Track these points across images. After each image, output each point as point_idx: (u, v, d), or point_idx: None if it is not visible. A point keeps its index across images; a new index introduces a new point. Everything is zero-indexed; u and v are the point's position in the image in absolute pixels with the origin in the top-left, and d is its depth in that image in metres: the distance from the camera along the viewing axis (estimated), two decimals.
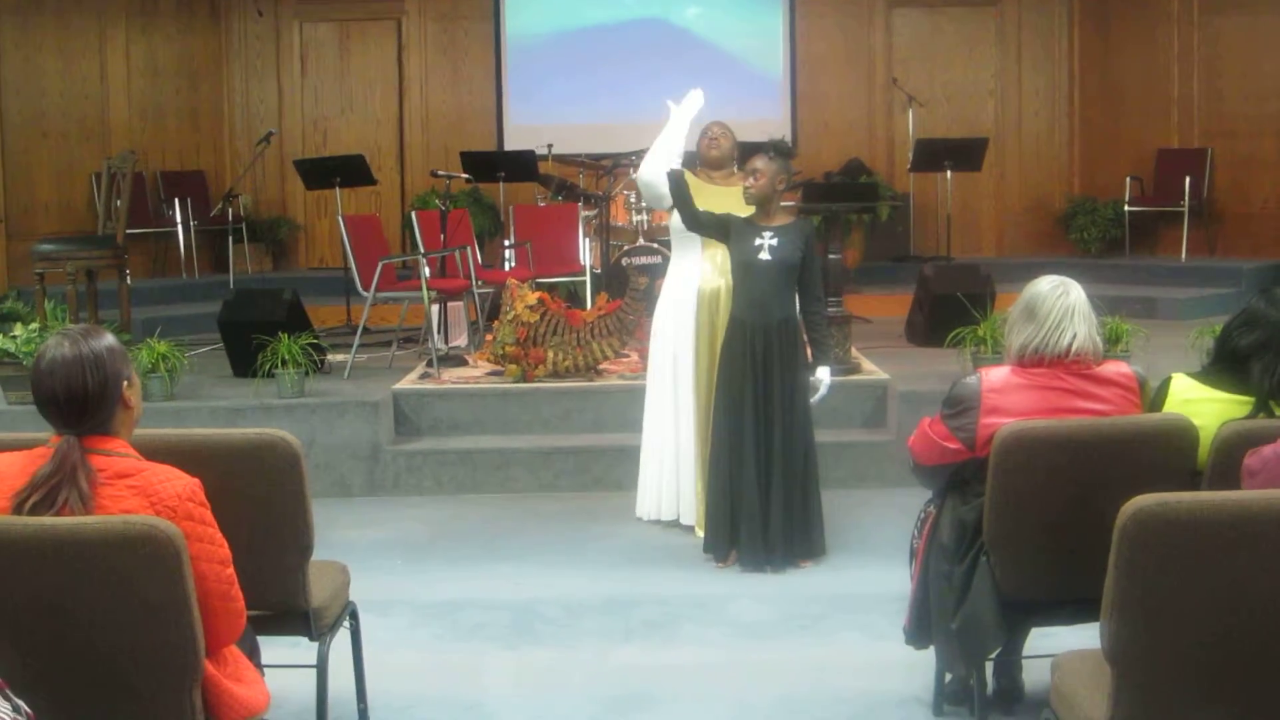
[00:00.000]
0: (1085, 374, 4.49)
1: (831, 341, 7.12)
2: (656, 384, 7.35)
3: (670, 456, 7.29)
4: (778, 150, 6.66)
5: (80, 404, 3.48)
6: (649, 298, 7.64)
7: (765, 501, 6.62)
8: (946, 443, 4.56)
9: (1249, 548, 3.24)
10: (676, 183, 6.69)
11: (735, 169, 7.25)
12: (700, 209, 6.70)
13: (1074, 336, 4.46)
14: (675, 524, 7.30)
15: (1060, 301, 4.48)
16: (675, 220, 7.12)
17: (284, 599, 4.47)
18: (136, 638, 3.37)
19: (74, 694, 3.44)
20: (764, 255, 6.58)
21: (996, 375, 4.53)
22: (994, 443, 4.33)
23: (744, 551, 6.65)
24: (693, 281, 7.14)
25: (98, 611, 3.35)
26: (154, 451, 3.77)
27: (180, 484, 3.49)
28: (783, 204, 6.83)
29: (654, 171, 7.11)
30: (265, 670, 4.16)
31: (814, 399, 6.77)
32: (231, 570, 3.59)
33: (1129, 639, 3.32)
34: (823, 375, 6.79)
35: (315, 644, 4.57)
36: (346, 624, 4.87)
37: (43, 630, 3.38)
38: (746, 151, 6.98)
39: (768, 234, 6.60)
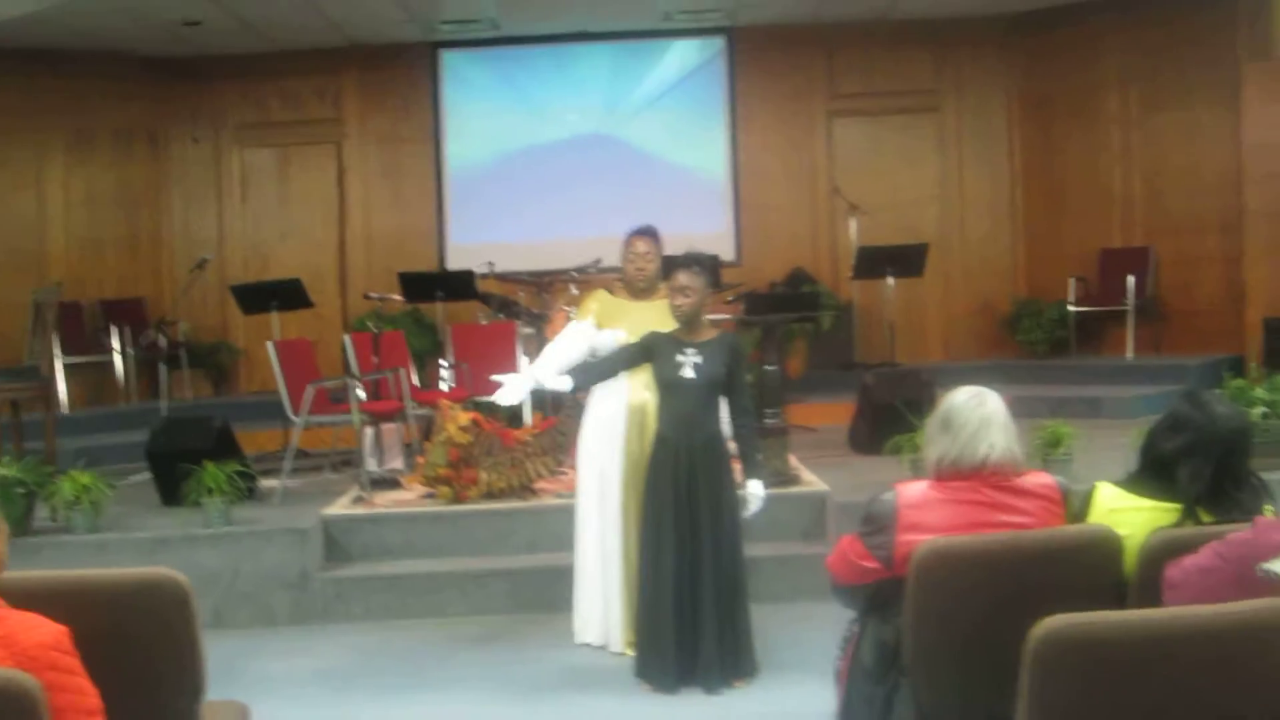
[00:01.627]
0: (1005, 486, 4.34)
1: (760, 455, 6.96)
2: (584, 504, 7.18)
3: (598, 579, 7.10)
4: (700, 264, 6.53)
5: None
6: (579, 414, 7.50)
7: (695, 622, 6.45)
8: (864, 562, 4.40)
9: (1166, 669, 3.10)
10: (585, 380, 6.81)
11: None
12: (620, 353, 6.71)
13: (991, 448, 4.31)
14: (606, 649, 7.11)
15: (977, 412, 4.35)
16: (600, 339, 7.03)
17: None
18: None
19: None
20: (687, 373, 6.45)
21: (913, 491, 4.37)
22: (911, 561, 4.16)
23: (674, 674, 6.45)
24: (620, 396, 7.00)
25: None
26: (33, 595, 3.61)
27: (44, 632, 3.30)
28: (709, 317, 6.72)
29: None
30: None
31: (747, 514, 6.61)
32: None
33: None
34: (754, 489, 6.63)
35: None
36: None
37: None
38: (665, 266, 6.89)
39: (690, 351, 6.48)
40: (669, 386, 6.51)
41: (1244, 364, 11.21)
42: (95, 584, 4.15)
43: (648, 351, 6.57)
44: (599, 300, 7.22)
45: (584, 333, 7.15)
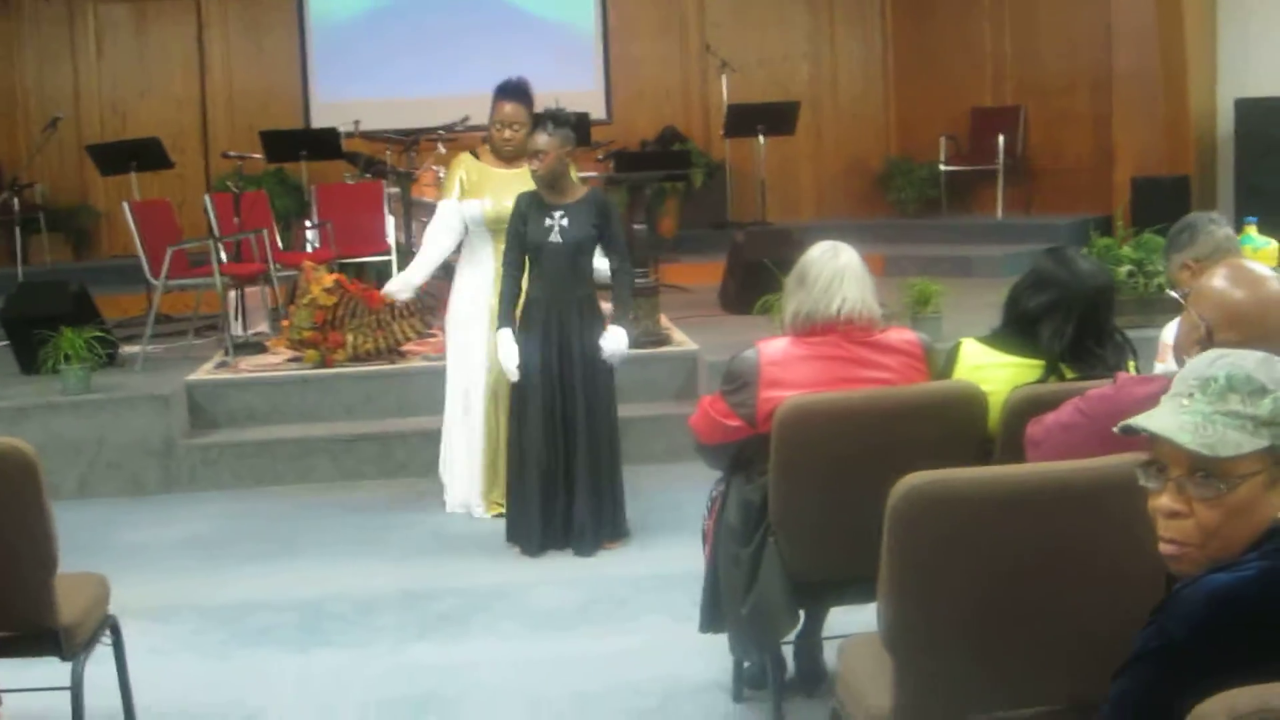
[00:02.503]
0: (867, 342, 4.32)
1: (630, 303, 6.83)
2: (451, 374, 7.11)
3: (462, 446, 7.05)
4: (557, 122, 6.34)
5: None
6: (450, 274, 7.37)
7: (568, 485, 6.41)
8: (727, 420, 4.36)
9: (1025, 524, 3.09)
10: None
11: None
12: (511, 234, 6.42)
13: (844, 300, 4.27)
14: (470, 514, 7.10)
15: (830, 265, 4.32)
16: (470, 210, 6.86)
17: (29, 619, 4.14)
18: None
19: None
20: (554, 237, 6.32)
21: (774, 347, 4.33)
22: (774, 418, 4.13)
23: (546, 538, 6.44)
24: (485, 265, 6.89)
25: None
26: None
27: None
28: (581, 175, 6.58)
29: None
30: (18, 695, 3.89)
31: (604, 355, 6.43)
32: None
33: (905, 624, 3.15)
34: (613, 333, 6.43)
35: (69, 664, 4.25)
36: (107, 639, 4.55)
37: None
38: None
39: (558, 213, 6.33)
40: (537, 250, 6.37)
41: (1112, 223, 11.29)
42: None
43: (523, 219, 6.38)
44: (464, 166, 6.97)
45: (452, 213, 6.95)
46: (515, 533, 6.52)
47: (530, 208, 6.39)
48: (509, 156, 6.88)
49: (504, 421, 6.73)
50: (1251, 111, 11.78)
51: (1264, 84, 11.80)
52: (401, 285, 7.31)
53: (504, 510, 6.68)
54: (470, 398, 6.97)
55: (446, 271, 8.39)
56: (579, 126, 6.51)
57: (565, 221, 6.33)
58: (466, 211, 6.89)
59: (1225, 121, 12.19)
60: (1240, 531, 2.24)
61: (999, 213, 13.40)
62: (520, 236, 6.37)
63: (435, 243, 7.07)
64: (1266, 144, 11.51)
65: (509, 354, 6.38)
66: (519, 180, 6.64)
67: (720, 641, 4.76)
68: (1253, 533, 2.23)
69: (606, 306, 6.55)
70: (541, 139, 6.29)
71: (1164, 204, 10.87)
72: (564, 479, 6.42)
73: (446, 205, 6.99)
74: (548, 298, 6.39)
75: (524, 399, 6.43)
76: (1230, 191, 11.85)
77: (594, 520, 6.44)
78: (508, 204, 6.58)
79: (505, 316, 6.45)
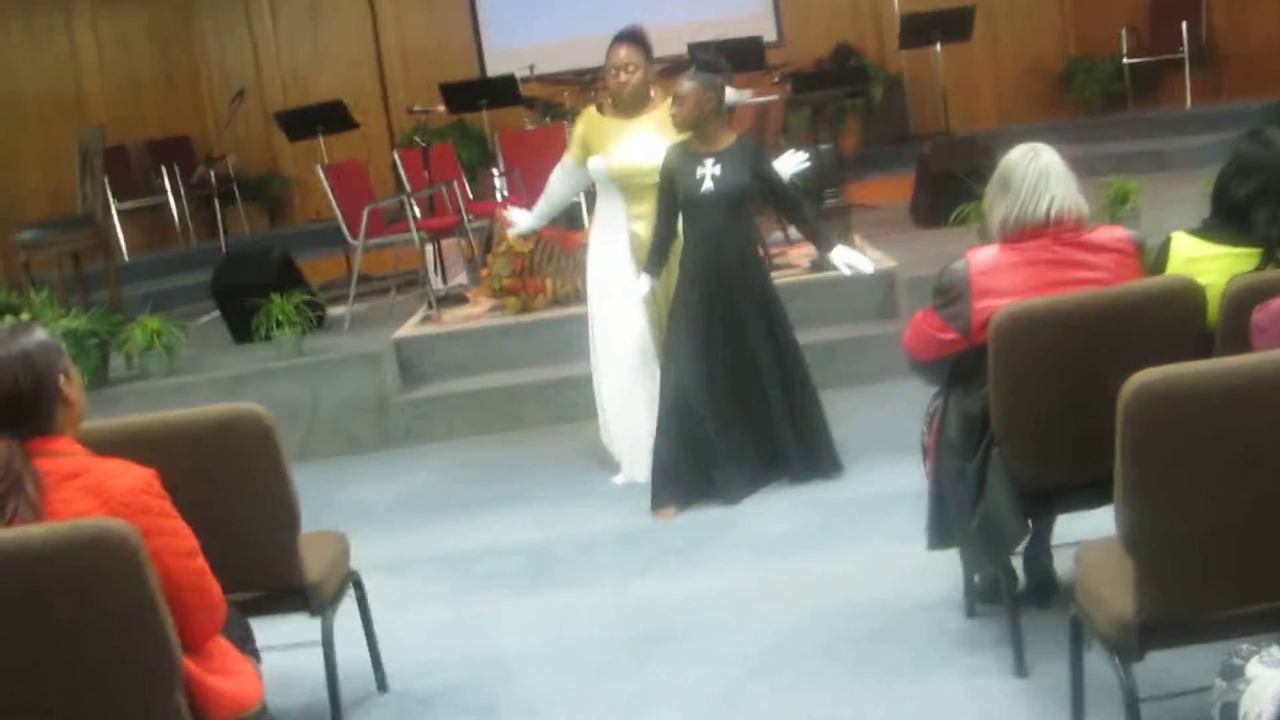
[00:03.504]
0: (1077, 242, 4.25)
1: (825, 230, 6.56)
2: (599, 344, 6.95)
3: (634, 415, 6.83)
4: (701, 66, 6.19)
5: (15, 406, 3.29)
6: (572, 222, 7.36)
7: (769, 427, 6.32)
8: (941, 334, 4.34)
9: (1261, 413, 3.03)
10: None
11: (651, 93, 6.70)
12: (662, 190, 6.26)
13: (1052, 200, 4.20)
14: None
15: (1033, 166, 4.25)
16: (594, 166, 6.68)
17: (278, 578, 4.30)
18: (106, 646, 3.18)
19: (56, 713, 3.26)
20: (707, 186, 6.12)
21: (984, 256, 4.29)
22: (990, 327, 4.09)
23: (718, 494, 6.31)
24: (617, 226, 6.68)
25: (61, 624, 3.16)
26: (117, 443, 3.62)
27: (132, 477, 3.30)
28: (745, 96, 6.39)
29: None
30: (270, 653, 4.02)
31: (868, 269, 6.34)
32: (201, 560, 3.40)
33: (1146, 524, 3.13)
34: (841, 255, 6.25)
35: (318, 620, 4.40)
36: (351, 593, 4.70)
37: (10, 652, 3.20)
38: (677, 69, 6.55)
39: (709, 161, 6.14)
40: (690, 203, 6.18)
41: None
42: (179, 425, 4.16)
43: (671, 175, 6.21)
44: (586, 121, 6.77)
45: (568, 172, 6.86)
46: (663, 499, 6.32)
47: (679, 159, 6.21)
48: (628, 104, 6.63)
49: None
50: None
51: None
52: (520, 218, 7.32)
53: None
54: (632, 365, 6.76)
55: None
56: (748, 52, 6.26)
57: (718, 170, 6.13)
58: (591, 168, 6.71)
59: None
60: None
61: (1188, 102, 13.07)
62: (670, 190, 6.22)
63: (550, 195, 7.02)
64: None
65: (638, 292, 6.33)
66: (642, 130, 6.51)
67: (947, 559, 4.75)
68: None
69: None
70: (684, 84, 6.11)
71: None
72: (761, 425, 6.31)
73: (566, 161, 6.88)
74: (706, 250, 6.21)
75: (692, 364, 6.24)
76: None
77: (802, 455, 6.36)
78: (631, 158, 6.47)
79: (652, 263, 6.33)
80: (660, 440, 6.32)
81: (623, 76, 6.54)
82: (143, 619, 3.16)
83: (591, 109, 6.89)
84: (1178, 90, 13.24)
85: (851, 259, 6.28)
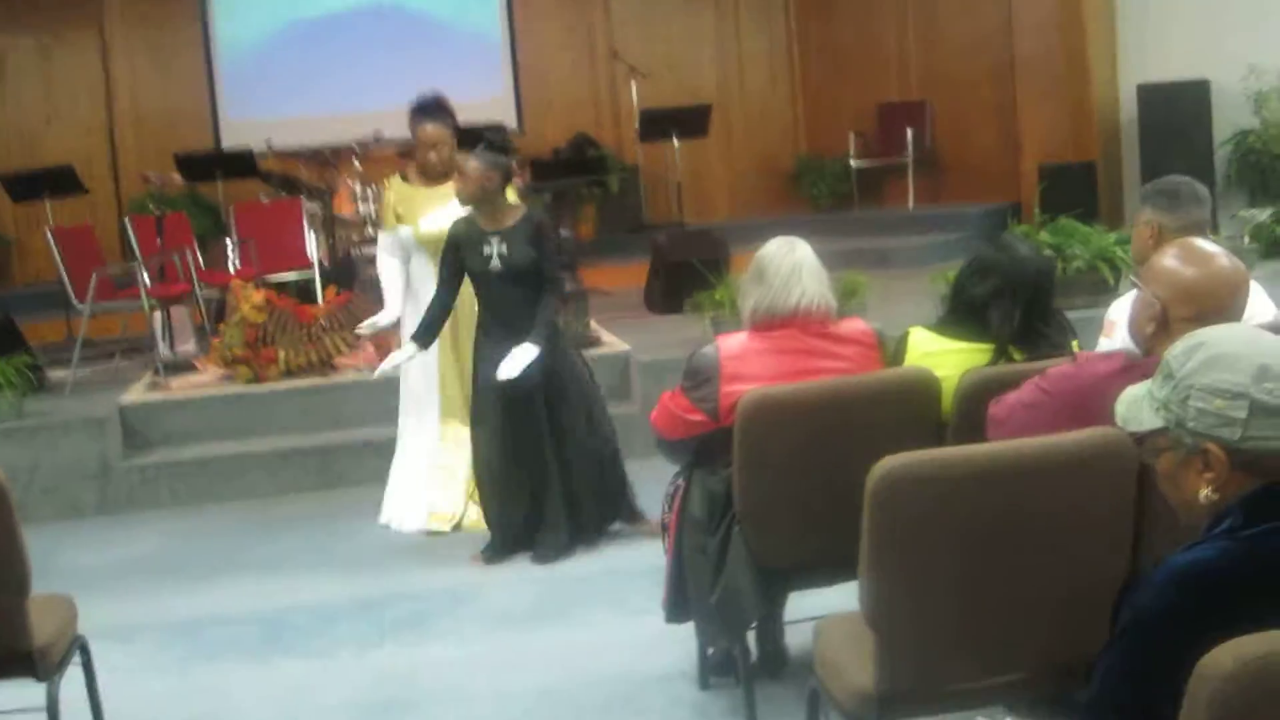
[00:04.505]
0: (823, 333, 4.43)
1: (549, 320, 6.40)
2: (408, 402, 7.13)
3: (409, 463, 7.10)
4: (489, 145, 6.26)
5: None
6: (377, 288, 7.36)
7: (570, 492, 6.45)
8: (689, 415, 4.46)
9: (998, 497, 3.19)
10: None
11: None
12: (442, 271, 6.38)
13: (803, 293, 4.39)
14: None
15: (788, 259, 4.42)
16: (403, 234, 6.84)
17: (3, 642, 4.15)
18: None
19: None
20: (495, 264, 6.23)
21: (734, 342, 4.44)
22: (737, 410, 4.22)
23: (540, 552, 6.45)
24: (430, 288, 6.68)
25: None
26: None
27: None
28: (510, 200, 6.45)
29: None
30: None
31: (501, 373, 6.24)
32: None
33: (888, 600, 3.25)
34: (523, 347, 6.19)
35: (44, 685, 4.26)
36: (77, 659, 4.56)
37: None
38: (466, 139, 6.68)
39: (495, 239, 6.23)
40: (480, 280, 6.29)
41: (1021, 210, 11.52)
42: None
43: (456, 247, 6.30)
44: (394, 190, 6.92)
45: (390, 242, 6.95)
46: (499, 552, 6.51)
47: (466, 236, 6.28)
48: (440, 175, 6.79)
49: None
50: (1153, 96, 12.02)
51: (1165, 69, 12.04)
52: (375, 322, 7.05)
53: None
54: (425, 418, 7.01)
55: (375, 286, 8.42)
56: (505, 148, 6.37)
57: (504, 248, 6.23)
58: (401, 236, 6.84)
59: (1129, 107, 12.43)
60: (1183, 503, 2.37)
61: (910, 204, 13.64)
62: (456, 264, 6.31)
63: (388, 272, 7.01)
64: (1169, 129, 11.74)
65: (400, 358, 6.46)
66: (449, 197, 6.56)
67: (679, 632, 4.86)
68: (1189, 506, 2.35)
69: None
70: (470, 164, 6.21)
71: (1073, 189, 11.14)
72: (543, 490, 6.42)
73: (384, 237, 6.99)
74: (499, 323, 6.30)
75: (483, 418, 6.43)
76: (1136, 176, 12.05)
77: (600, 506, 6.53)
78: (440, 223, 6.55)
79: (422, 332, 6.41)
80: (485, 499, 6.52)
81: (433, 156, 6.75)
82: None
83: (397, 178, 7.01)
84: (901, 192, 13.79)
85: (524, 357, 6.18)
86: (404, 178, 6.97)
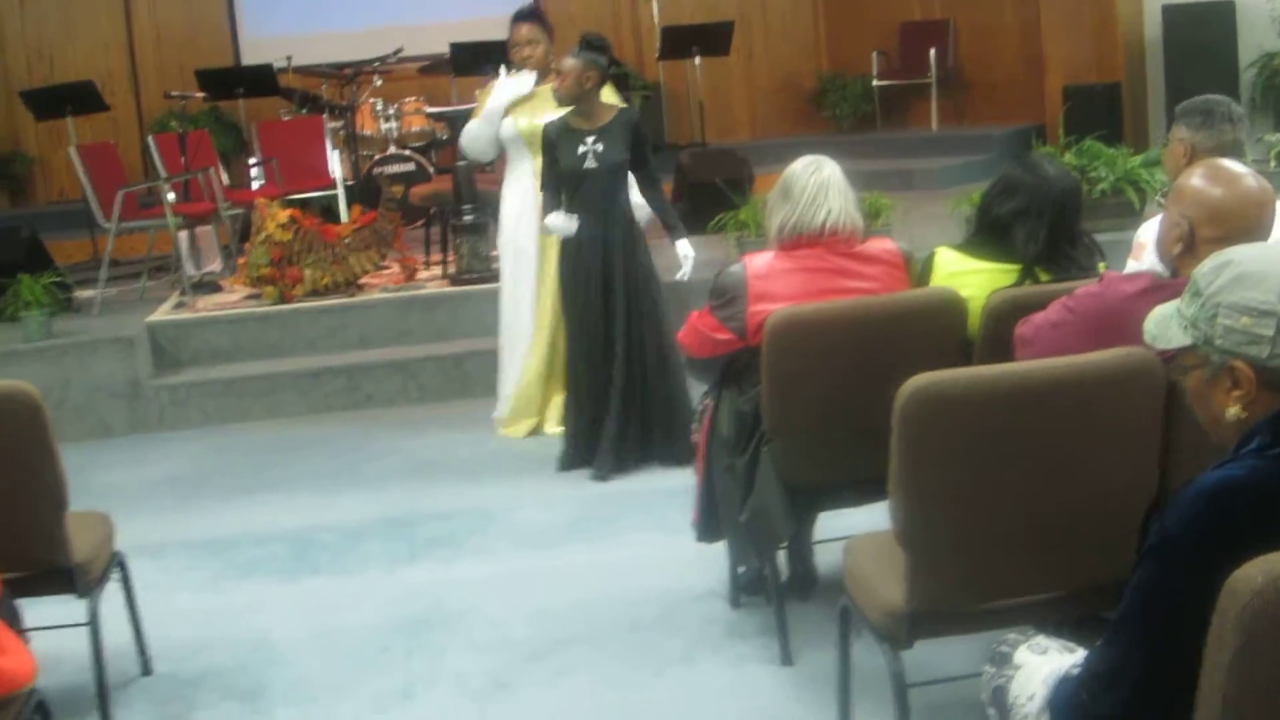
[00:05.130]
0: (850, 253, 4.45)
1: (674, 214, 6.83)
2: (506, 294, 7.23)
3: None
4: (587, 45, 6.35)
5: None
6: (404, 206, 7.38)
7: (641, 408, 6.49)
8: (717, 334, 4.49)
9: (1028, 417, 3.22)
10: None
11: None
12: (546, 170, 6.45)
13: (829, 212, 4.41)
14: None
15: (814, 178, 4.44)
16: (505, 127, 6.94)
17: (44, 558, 4.21)
18: None
19: None
20: (590, 163, 6.31)
21: (760, 261, 4.46)
22: (764, 330, 4.25)
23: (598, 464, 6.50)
24: (526, 183, 6.95)
25: None
26: None
27: None
28: (606, 100, 6.47)
29: (481, 139, 7.04)
30: (35, 633, 3.97)
31: (682, 275, 6.60)
32: None
33: (919, 519, 3.28)
34: (684, 249, 6.58)
35: (84, 600, 4.33)
36: (115, 575, 4.64)
37: None
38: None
39: (590, 138, 6.32)
40: (574, 179, 6.35)
41: (1045, 132, 11.45)
42: None
43: (551, 146, 6.38)
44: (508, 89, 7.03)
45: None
46: (571, 462, 6.60)
47: (560, 135, 6.37)
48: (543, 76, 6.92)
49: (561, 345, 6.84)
50: (1179, 17, 11.89)
51: None
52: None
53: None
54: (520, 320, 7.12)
55: (400, 204, 8.46)
56: (602, 47, 6.42)
57: (599, 146, 6.32)
58: (502, 131, 6.98)
59: (1153, 27, 12.31)
60: (1212, 421, 2.40)
61: (934, 125, 13.55)
62: (554, 166, 6.40)
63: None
64: (1194, 50, 11.62)
65: (563, 223, 6.41)
66: (548, 102, 6.67)
67: (712, 552, 4.92)
68: (1217, 425, 2.38)
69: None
70: (566, 61, 6.33)
71: (1097, 111, 11.09)
72: (622, 407, 6.47)
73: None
74: (590, 224, 6.38)
75: (578, 336, 6.54)
76: (1161, 97, 11.99)
77: (665, 439, 6.51)
78: (538, 120, 6.68)
79: (550, 206, 6.47)
80: (567, 407, 6.69)
81: (525, 51, 6.89)
82: None
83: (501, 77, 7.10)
84: (924, 113, 13.71)
85: (688, 254, 6.57)
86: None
